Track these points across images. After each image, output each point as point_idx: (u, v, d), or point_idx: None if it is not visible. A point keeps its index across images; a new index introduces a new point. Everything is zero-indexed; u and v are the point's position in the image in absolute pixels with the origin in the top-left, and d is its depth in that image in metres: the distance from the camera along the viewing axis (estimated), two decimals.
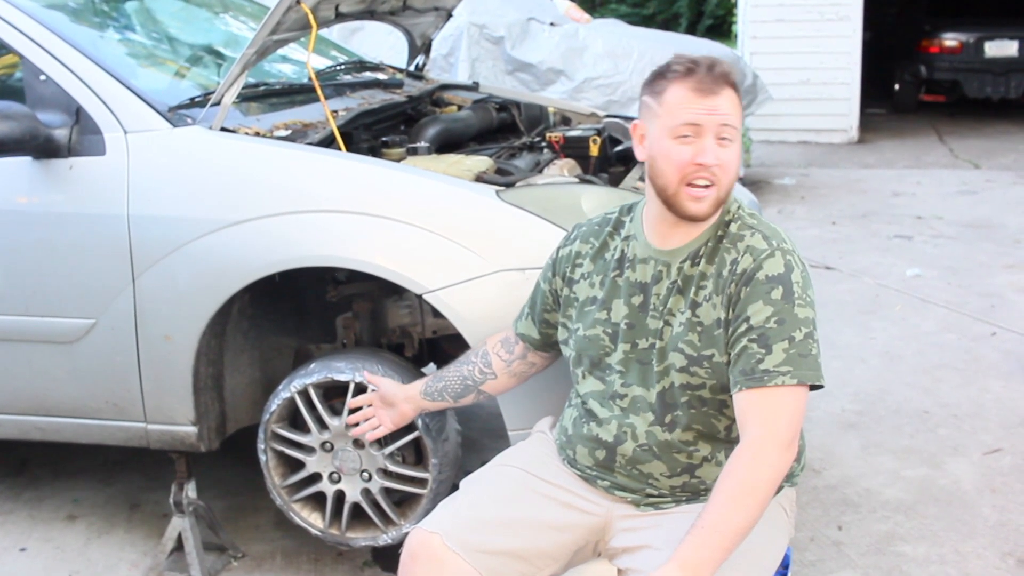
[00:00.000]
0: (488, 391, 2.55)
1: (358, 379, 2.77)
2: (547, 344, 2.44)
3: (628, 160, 3.46)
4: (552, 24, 7.73)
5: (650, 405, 2.14)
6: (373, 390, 2.73)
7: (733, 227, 2.11)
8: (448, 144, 3.41)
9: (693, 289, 2.11)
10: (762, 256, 2.04)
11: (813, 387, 2.03)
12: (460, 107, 3.94)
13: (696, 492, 2.16)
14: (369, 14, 3.60)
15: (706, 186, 2.06)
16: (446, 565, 2.11)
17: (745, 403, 2.00)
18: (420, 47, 4.25)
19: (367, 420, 2.71)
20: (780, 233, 2.11)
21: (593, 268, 2.27)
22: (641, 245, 2.19)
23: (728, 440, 2.14)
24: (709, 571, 1.90)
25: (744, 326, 2.02)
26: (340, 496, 2.90)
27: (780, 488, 2.20)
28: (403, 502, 2.91)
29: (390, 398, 2.67)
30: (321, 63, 3.90)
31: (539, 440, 2.41)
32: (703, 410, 2.12)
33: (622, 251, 2.22)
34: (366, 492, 2.88)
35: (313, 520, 2.94)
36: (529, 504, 2.22)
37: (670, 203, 2.09)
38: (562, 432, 2.31)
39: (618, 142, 3.58)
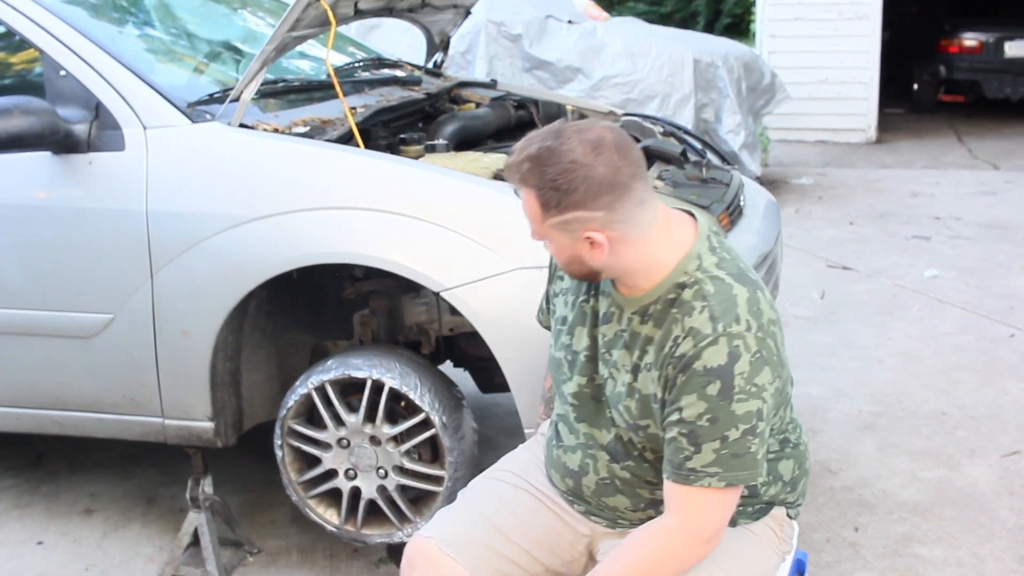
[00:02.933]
0: None
1: (375, 376, 2.77)
2: None
3: (646, 159, 3.45)
4: (570, 22, 7.72)
5: (604, 447, 2.09)
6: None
7: (687, 293, 1.92)
8: (466, 141, 3.41)
9: (638, 352, 1.98)
10: (703, 343, 1.85)
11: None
12: (478, 105, 3.93)
13: None
14: (388, 11, 3.60)
15: None
16: (442, 570, 2.11)
17: (670, 491, 1.93)
18: (438, 44, 4.25)
19: None
20: (736, 308, 1.88)
21: (569, 287, 2.17)
22: (605, 280, 2.06)
23: None
24: None
25: (676, 415, 1.89)
26: (356, 493, 2.91)
27: (769, 509, 2.15)
28: (419, 499, 2.92)
29: None
30: (340, 60, 3.90)
31: (536, 443, 2.38)
32: (653, 463, 2.04)
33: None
34: (382, 489, 2.88)
35: (329, 516, 2.95)
36: (522, 508, 2.21)
37: None
38: (545, 448, 2.28)
39: (636, 140, 3.57)
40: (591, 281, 2.05)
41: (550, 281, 2.29)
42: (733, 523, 2.06)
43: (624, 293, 2.01)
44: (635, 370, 1.99)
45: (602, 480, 2.09)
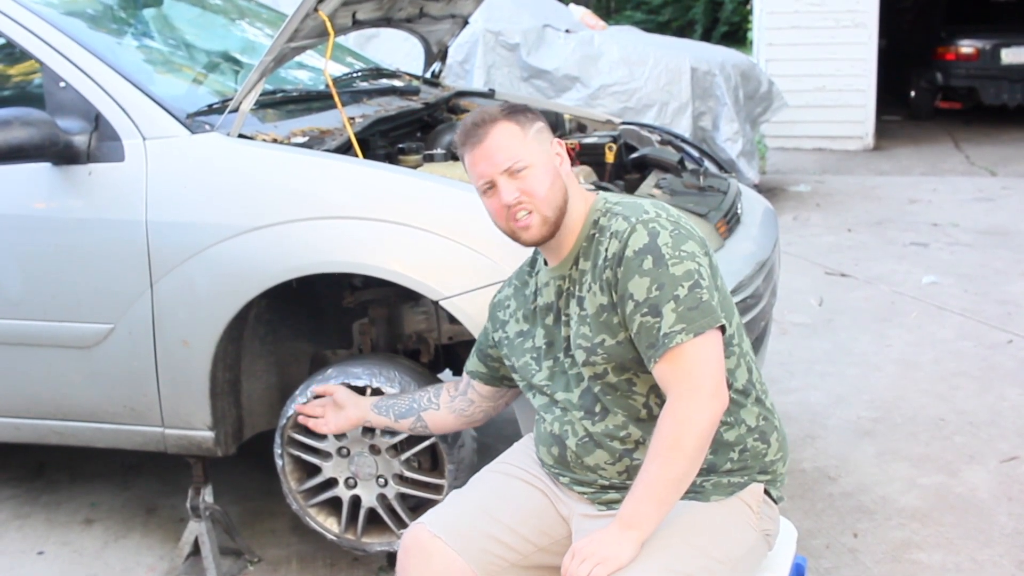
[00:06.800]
0: (428, 422, 2.64)
1: (375, 385, 2.78)
2: (492, 378, 2.54)
3: (644, 167, 3.47)
4: (567, 31, 7.74)
5: (575, 404, 2.24)
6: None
7: (602, 220, 2.20)
8: None
9: (578, 287, 2.21)
10: (625, 235, 2.11)
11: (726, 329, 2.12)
12: None
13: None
14: (386, 21, 3.61)
15: (528, 213, 2.20)
16: (433, 555, 2.20)
17: (660, 373, 2.08)
18: (436, 54, 4.27)
19: (313, 416, 2.78)
20: (642, 206, 2.18)
21: (516, 305, 2.40)
22: (543, 272, 2.32)
23: (651, 420, 2.18)
24: (648, 525, 2.03)
25: (631, 304, 2.09)
26: (356, 501, 2.91)
27: (745, 484, 2.21)
28: (419, 508, 2.92)
29: (341, 403, 2.74)
30: (338, 70, 3.92)
31: (529, 438, 2.50)
32: (616, 395, 2.19)
33: (535, 283, 2.35)
34: (382, 497, 2.89)
35: (329, 525, 2.95)
36: (512, 491, 2.32)
37: (516, 240, 2.25)
38: (535, 430, 2.41)
39: (634, 149, 3.59)
40: (557, 225, 2.20)
41: (491, 325, 2.47)
42: (706, 499, 2.17)
43: (556, 262, 2.27)
44: (580, 302, 2.20)
45: (581, 440, 2.23)
